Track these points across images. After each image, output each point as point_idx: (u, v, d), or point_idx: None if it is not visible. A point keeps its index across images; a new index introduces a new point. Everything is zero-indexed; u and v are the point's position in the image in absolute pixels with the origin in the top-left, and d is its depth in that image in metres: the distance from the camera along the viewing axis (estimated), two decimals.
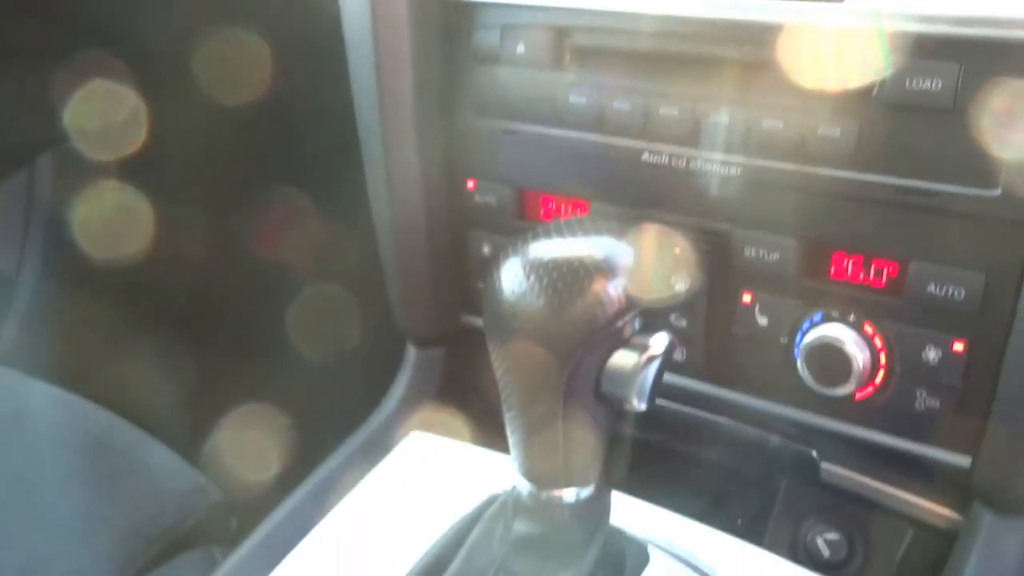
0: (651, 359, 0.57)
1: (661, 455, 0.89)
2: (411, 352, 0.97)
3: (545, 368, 0.56)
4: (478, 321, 0.94)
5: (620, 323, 0.56)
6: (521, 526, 0.63)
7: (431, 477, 0.82)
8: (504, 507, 0.66)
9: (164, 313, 1.83)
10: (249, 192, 1.92)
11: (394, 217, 0.91)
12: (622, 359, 0.57)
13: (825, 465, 0.79)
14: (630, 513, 0.74)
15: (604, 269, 0.55)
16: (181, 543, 1.01)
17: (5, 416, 1.13)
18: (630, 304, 0.56)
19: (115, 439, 1.11)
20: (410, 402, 0.94)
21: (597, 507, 0.63)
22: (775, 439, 0.82)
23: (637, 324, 0.58)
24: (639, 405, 0.58)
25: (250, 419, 1.83)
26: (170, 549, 0.99)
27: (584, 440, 0.60)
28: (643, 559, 0.68)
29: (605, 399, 0.58)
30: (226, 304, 1.89)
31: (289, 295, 2.03)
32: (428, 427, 0.89)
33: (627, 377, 0.57)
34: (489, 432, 0.94)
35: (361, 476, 0.83)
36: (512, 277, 0.56)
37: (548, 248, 0.57)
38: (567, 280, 0.55)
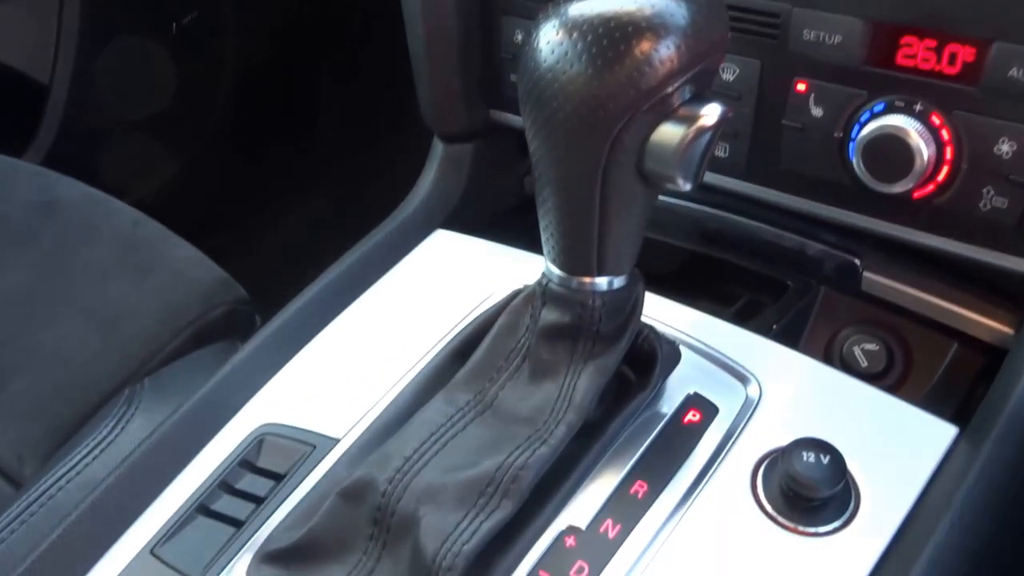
0: (701, 131, 0.50)
1: (695, 261, 0.84)
2: (438, 147, 0.91)
3: (583, 139, 0.50)
4: (508, 116, 0.87)
5: (669, 88, 0.49)
6: (550, 315, 0.59)
7: (455, 272, 0.78)
8: (532, 297, 0.61)
9: (192, 119, 1.78)
10: None
11: (423, 1, 0.83)
12: (668, 132, 0.50)
13: (867, 274, 0.73)
14: (662, 312, 0.69)
15: (654, 26, 0.48)
16: (205, 335, 0.99)
17: (39, 206, 1.12)
18: (682, 67, 0.49)
19: (143, 234, 1.09)
20: (435, 199, 0.89)
21: (629, 298, 0.59)
22: (816, 246, 0.76)
23: (688, 92, 0.52)
24: (684, 185, 0.52)
25: (275, 218, 1.82)
26: (194, 340, 0.98)
27: (621, 223, 0.54)
28: (675, 357, 0.64)
29: (647, 177, 0.52)
30: (252, 106, 1.84)
31: (314, 94, 1.98)
32: (453, 224, 0.84)
33: (673, 152, 0.50)
34: (516, 232, 0.89)
35: (384, 270, 0.79)
36: (551, 36, 0.50)
37: (592, 4, 0.49)
38: (612, 38, 0.48)
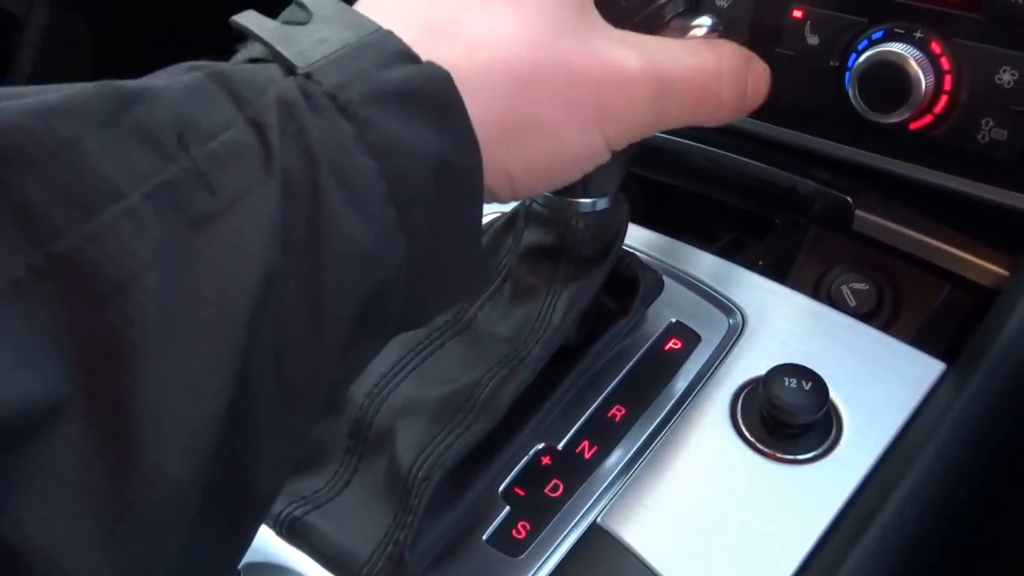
0: None
1: (680, 199, 0.82)
2: None
3: None
4: None
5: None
6: (531, 235, 0.57)
7: None
8: (515, 218, 0.59)
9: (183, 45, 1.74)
10: None
11: None
12: None
13: (859, 212, 0.71)
14: (646, 242, 0.67)
15: None
16: None
17: None
18: None
19: None
20: None
21: (613, 220, 0.56)
22: (807, 183, 0.74)
23: (681, 5, 0.50)
24: None
25: None
26: None
27: None
28: (658, 286, 0.61)
29: None
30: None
31: None
32: None
33: None
34: None
35: None
36: None
37: None
38: None
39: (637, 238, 0.68)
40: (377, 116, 0.35)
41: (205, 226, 0.31)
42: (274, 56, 0.36)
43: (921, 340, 0.65)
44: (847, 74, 0.62)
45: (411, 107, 0.36)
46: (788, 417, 0.52)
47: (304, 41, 0.36)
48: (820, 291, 0.72)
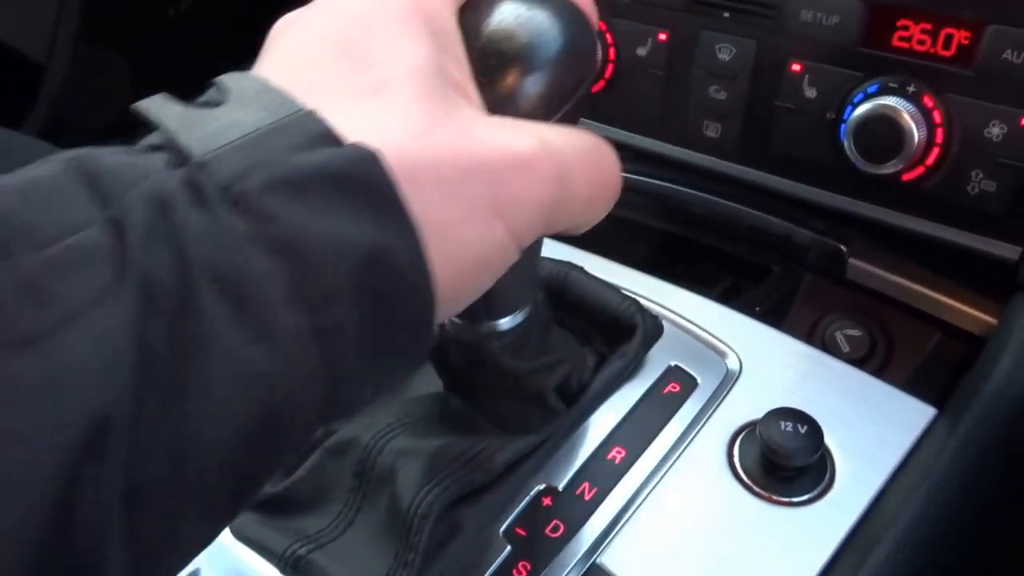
0: None
1: (680, 244, 0.83)
2: None
3: None
4: None
5: None
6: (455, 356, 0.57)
7: None
8: None
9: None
10: None
11: None
12: None
13: (853, 261, 0.73)
14: (646, 287, 0.68)
15: None
16: None
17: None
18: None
19: None
20: None
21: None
22: (802, 232, 0.75)
23: None
24: None
25: None
26: None
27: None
28: (657, 331, 0.62)
29: None
30: None
31: None
32: None
33: None
34: None
35: None
36: None
37: None
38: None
39: (636, 282, 0.69)
40: (281, 207, 0.30)
41: (27, 347, 0.26)
42: (168, 144, 0.32)
43: (913, 385, 0.66)
44: (843, 126, 0.64)
45: (330, 194, 0.31)
46: (784, 460, 0.53)
47: (209, 126, 0.32)
48: (815, 336, 0.73)
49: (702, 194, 0.79)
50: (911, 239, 0.67)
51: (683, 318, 0.66)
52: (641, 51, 0.74)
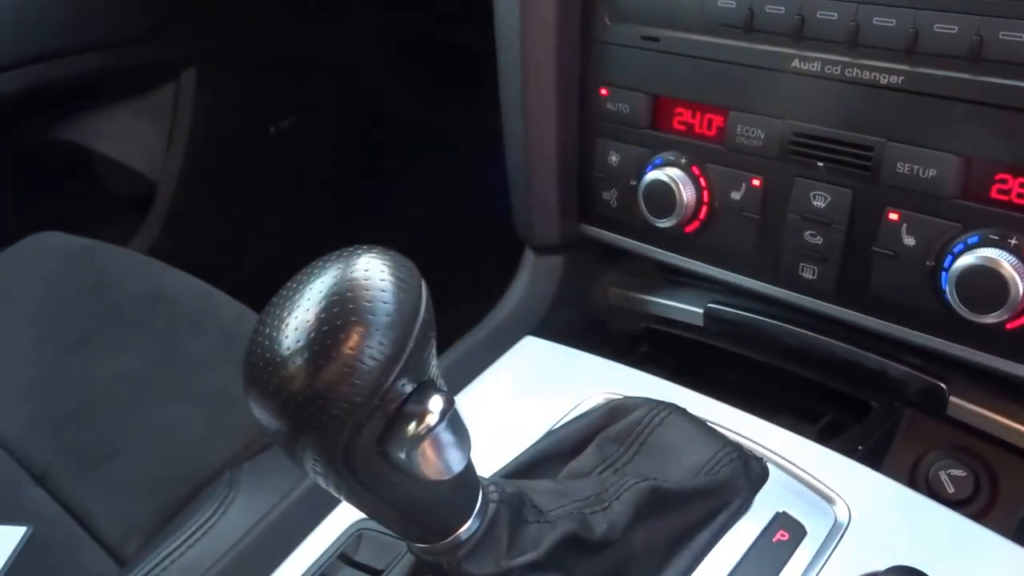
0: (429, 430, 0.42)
1: (778, 377, 0.82)
2: (529, 258, 0.91)
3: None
4: (599, 231, 0.88)
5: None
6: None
7: (544, 378, 0.77)
8: None
9: (291, 220, 1.82)
10: (377, 101, 1.89)
11: (526, 123, 0.85)
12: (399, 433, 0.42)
13: (954, 399, 0.71)
14: (750, 429, 0.67)
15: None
16: None
17: (148, 297, 1.14)
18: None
19: (246, 327, 1.09)
20: (526, 307, 0.89)
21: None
22: (900, 368, 0.74)
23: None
24: (446, 475, 0.44)
25: None
26: None
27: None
28: (763, 474, 0.61)
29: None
30: (342, 209, 1.88)
31: (414, 206, 2.01)
32: (541, 332, 0.84)
33: (410, 455, 0.42)
34: (600, 339, 0.89)
35: (476, 374, 0.79)
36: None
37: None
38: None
39: (741, 423, 0.68)
40: None
41: None
42: None
43: (1021, 531, 0.64)
44: (944, 275, 0.63)
45: None
46: None
47: None
48: (917, 476, 0.71)
49: (796, 328, 0.79)
50: (1010, 379, 0.65)
51: (788, 461, 0.65)
52: (735, 195, 0.74)
